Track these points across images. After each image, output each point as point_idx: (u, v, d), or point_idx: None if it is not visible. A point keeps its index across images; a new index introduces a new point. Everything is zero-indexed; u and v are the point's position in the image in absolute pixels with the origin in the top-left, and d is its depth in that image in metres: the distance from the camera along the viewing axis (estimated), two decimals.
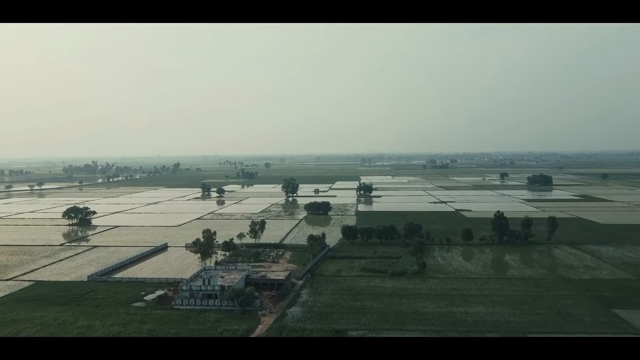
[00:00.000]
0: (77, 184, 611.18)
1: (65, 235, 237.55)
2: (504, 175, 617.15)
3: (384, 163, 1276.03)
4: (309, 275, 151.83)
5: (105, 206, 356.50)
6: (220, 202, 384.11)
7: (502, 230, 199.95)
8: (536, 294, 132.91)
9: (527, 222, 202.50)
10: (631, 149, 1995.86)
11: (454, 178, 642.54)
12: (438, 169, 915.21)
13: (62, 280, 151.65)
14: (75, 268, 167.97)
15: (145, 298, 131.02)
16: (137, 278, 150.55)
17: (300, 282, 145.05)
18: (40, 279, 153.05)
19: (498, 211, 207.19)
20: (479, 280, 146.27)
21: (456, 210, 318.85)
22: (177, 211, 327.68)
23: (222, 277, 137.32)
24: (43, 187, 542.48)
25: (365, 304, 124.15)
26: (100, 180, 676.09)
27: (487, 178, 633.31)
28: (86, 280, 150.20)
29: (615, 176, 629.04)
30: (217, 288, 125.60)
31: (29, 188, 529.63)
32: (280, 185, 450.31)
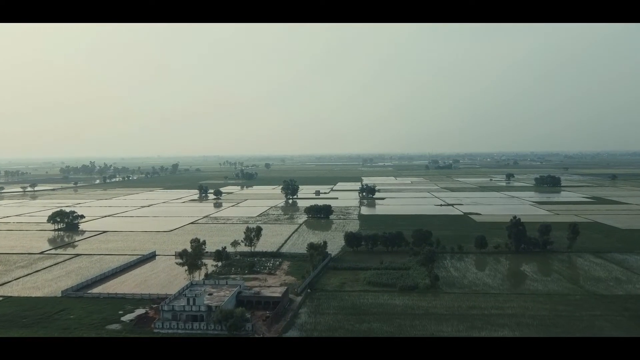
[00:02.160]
0: (72, 185, 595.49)
1: (48, 242, 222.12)
2: (509, 176, 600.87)
3: (386, 163, 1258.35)
4: (308, 290, 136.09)
5: (97, 209, 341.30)
6: (217, 205, 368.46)
7: (519, 238, 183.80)
8: (566, 313, 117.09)
9: (546, 228, 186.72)
10: (634, 149, 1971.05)
11: (458, 179, 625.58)
12: (441, 169, 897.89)
13: (33, 295, 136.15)
14: (51, 281, 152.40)
15: (122, 319, 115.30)
16: (116, 294, 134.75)
17: (299, 298, 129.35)
18: (10, 294, 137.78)
19: (514, 216, 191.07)
20: (499, 297, 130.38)
21: (464, 213, 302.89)
22: (171, 215, 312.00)
23: (210, 294, 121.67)
24: (36, 188, 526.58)
25: (373, 327, 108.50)
26: (97, 182, 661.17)
27: (493, 179, 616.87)
28: (60, 295, 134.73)
29: (624, 177, 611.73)
30: (203, 309, 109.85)
31: (21, 190, 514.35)
32: (280, 187, 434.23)
